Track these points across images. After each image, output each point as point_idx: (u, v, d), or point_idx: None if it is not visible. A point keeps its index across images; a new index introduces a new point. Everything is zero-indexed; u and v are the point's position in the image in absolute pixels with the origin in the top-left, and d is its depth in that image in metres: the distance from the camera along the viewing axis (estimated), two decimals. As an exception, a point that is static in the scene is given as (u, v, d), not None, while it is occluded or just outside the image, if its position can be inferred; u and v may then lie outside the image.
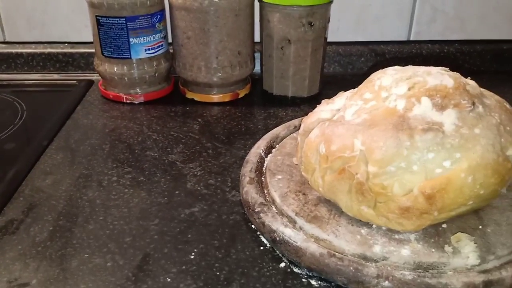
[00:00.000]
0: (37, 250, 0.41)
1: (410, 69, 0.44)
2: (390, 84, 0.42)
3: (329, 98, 0.71)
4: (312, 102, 0.70)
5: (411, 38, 0.81)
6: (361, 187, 0.39)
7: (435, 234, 0.41)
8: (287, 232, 0.41)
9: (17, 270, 0.39)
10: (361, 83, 0.78)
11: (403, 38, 0.81)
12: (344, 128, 0.41)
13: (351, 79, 0.79)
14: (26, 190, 0.49)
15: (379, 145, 0.39)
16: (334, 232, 0.41)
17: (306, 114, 0.67)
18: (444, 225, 0.42)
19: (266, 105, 0.69)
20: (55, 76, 0.77)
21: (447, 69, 0.45)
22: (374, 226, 0.42)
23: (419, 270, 0.38)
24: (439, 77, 0.42)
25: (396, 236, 0.40)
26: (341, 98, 0.48)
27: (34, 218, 0.45)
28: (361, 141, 0.39)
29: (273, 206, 0.45)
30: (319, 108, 0.49)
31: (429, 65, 0.80)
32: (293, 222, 0.43)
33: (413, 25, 0.80)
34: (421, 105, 0.40)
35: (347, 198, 0.41)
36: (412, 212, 0.38)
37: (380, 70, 0.46)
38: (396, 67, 0.46)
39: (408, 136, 0.38)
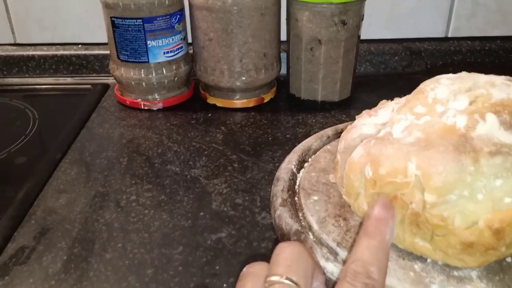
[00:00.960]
0: (50, 284, 0.37)
1: (468, 78, 0.39)
2: (447, 96, 0.37)
3: (361, 102, 0.66)
4: (343, 106, 0.65)
5: (450, 35, 0.75)
6: (416, 218, 0.34)
7: (500, 270, 0.35)
8: (329, 268, 0.36)
9: (28, 309, 0.35)
10: (395, 83, 0.72)
11: (440, 34, 0.75)
12: (394, 148, 0.36)
13: (384, 80, 0.74)
14: (38, 212, 0.45)
15: (438, 170, 0.33)
16: (382, 267, 0.36)
17: (338, 120, 0.62)
18: (509, 259, 0.36)
19: (293, 110, 0.64)
20: (69, 80, 0.73)
21: None
22: (428, 260, 0.36)
23: (483, 313, 0.33)
24: (505, 89, 0.36)
25: (456, 273, 0.35)
26: (386, 110, 0.42)
27: (46, 245, 0.41)
28: (415, 164, 0.34)
29: (310, 233, 0.40)
30: (359, 120, 0.43)
31: (468, 63, 0.75)
32: (334, 254, 0.38)
33: (451, 20, 0.74)
34: (486, 122, 0.34)
35: (398, 229, 0.36)
36: (476, 248, 0.33)
37: (432, 78, 0.41)
38: (450, 75, 0.41)
39: (473, 160, 0.33)
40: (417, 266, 0.36)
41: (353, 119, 0.60)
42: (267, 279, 0.25)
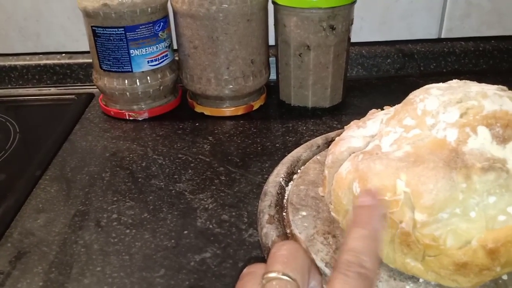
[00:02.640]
0: (24, 313, 0.36)
1: (459, 88, 0.37)
2: (437, 108, 0.35)
3: (353, 107, 0.64)
4: (334, 113, 0.63)
5: (443, 36, 0.73)
6: (406, 238, 0.32)
7: (495, 289, 0.34)
8: (316, 289, 0.35)
9: None
10: (387, 87, 0.70)
11: (433, 36, 0.73)
12: (382, 163, 0.34)
13: (376, 83, 0.72)
14: (14, 234, 0.43)
15: (429, 187, 0.31)
16: (373, 289, 0.34)
17: (329, 127, 0.60)
18: (505, 277, 0.35)
19: (283, 118, 0.62)
20: (53, 90, 0.71)
21: (505, 88, 0.37)
22: (421, 280, 0.35)
23: None
24: (498, 100, 0.34)
25: (445, 293, 0.34)
26: (375, 121, 0.41)
27: (22, 270, 0.39)
28: (405, 181, 0.32)
29: (297, 252, 0.38)
30: (348, 132, 0.42)
31: (462, 64, 0.73)
32: (323, 275, 0.36)
33: (444, 21, 0.72)
34: (477, 136, 0.33)
35: (388, 249, 0.34)
36: (470, 268, 0.31)
37: (422, 88, 0.39)
38: (441, 84, 0.39)
39: (464, 176, 0.31)
40: (409, 287, 0.34)
41: (344, 124, 0.59)
42: (265, 276, 0.25)
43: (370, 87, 0.71)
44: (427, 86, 0.39)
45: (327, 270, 0.36)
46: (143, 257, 0.41)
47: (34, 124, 0.63)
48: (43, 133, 0.59)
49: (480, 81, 0.75)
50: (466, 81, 0.39)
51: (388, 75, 0.73)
